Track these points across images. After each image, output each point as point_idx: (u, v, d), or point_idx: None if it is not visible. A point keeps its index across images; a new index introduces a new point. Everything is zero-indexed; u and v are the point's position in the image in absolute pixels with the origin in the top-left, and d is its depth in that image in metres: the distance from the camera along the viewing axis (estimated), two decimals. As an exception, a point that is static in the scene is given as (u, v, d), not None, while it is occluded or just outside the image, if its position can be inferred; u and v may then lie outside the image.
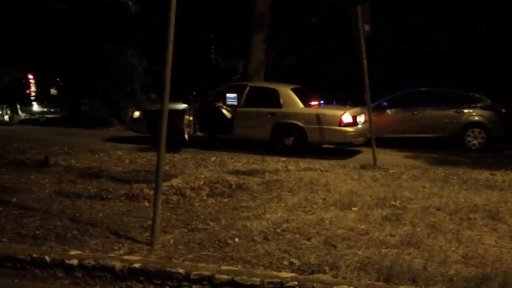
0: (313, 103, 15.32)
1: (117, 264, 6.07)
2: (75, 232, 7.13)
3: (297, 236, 7.09)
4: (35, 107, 20.63)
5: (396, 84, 18.05)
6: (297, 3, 22.54)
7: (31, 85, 20.39)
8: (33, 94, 20.43)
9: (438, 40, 20.41)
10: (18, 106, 20.32)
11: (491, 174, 11.74)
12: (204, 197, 9.14)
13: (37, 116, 21.03)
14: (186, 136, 14.90)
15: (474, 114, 16.99)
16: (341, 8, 16.31)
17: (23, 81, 20.44)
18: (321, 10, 22.10)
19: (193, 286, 5.82)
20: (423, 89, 17.77)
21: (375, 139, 13.21)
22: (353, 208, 8.51)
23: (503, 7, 18.96)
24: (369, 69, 12.79)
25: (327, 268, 5.95)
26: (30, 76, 20.42)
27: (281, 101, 15.09)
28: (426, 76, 19.69)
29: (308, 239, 6.96)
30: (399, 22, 20.35)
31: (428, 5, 19.00)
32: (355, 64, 13.34)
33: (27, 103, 20.41)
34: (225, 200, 9.05)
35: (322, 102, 16.21)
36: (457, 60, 20.31)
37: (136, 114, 16.54)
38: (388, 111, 17.43)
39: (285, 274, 5.80)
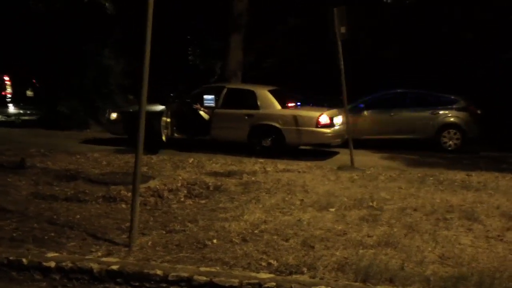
0: (290, 104, 15.32)
1: (95, 266, 6.06)
2: (53, 234, 7.10)
3: (275, 237, 7.12)
4: (11, 109, 20.44)
5: (383, 87, 18.11)
6: (276, 5, 22.57)
7: (7, 86, 20.20)
8: (9, 95, 20.23)
9: (423, 41, 20.59)
10: (-7, 108, 20.13)
11: (467, 175, 11.84)
12: (182, 199, 9.12)
13: (13, 118, 20.82)
14: (163, 138, 14.86)
15: (449, 115, 17.12)
16: (319, 10, 16.40)
17: (-1, 82, 20.24)
18: (299, 11, 22.17)
19: (171, 288, 5.83)
20: (399, 90, 17.87)
21: (352, 140, 13.29)
22: (330, 209, 8.55)
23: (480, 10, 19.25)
24: (355, 71, 12.81)
25: (305, 268, 5.98)
26: (6, 78, 20.23)
27: (259, 103, 15.09)
28: (409, 76, 19.75)
29: (286, 240, 6.99)
30: (378, 25, 20.53)
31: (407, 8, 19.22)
32: (333, 65, 13.38)
33: (2, 104, 20.21)
34: (203, 201, 9.04)
35: (298, 103, 16.24)
36: (441, 61, 20.44)
37: (113, 115, 16.43)
38: (365, 112, 17.49)
39: (264, 275, 5.83)
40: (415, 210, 8.67)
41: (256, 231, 7.34)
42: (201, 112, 15.67)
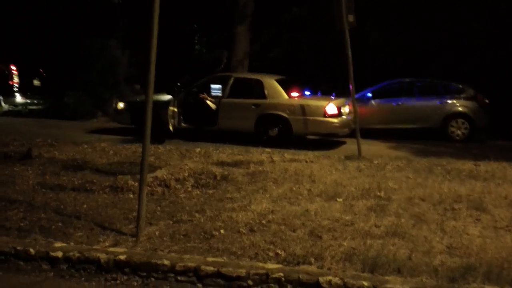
0: (293, 94, 15.26)
1: (102, 256, 6.06)
2: (60, 224, 7.11)
3: (283, 227, 7.10)
4: (18, 98, 20.47)
5: (382, 79, 18.01)
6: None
7: (14, 76, 20.22)
8: (16, 85, 20.26)
9: (424, 33, 20.46)
10: (1, 98, 20.13)
11: (475, 165, 11.77)
12: (189, 189, 9.11)
13: (20, 107, 20.86)
14: (170, 128, 14.85)
15: (457, 104, 17.04)
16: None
17: (6, 72, 20.25)
18: (305, 0, 22.08)
19: (179, 278, 5.83)
20: (407, 79, 17.81)
21: (360, 130, 13.25)
22: (338, 199, 8.52)
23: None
24: (362, 61, 12.73)
25: (312, 259, 5.97)
26: (13, 67, 20.24)
27: (266, 92, 15.07)
28: (411, 70, 19.63)
29: (294, 230, 6.97)
30: (384, 14, 20.43)
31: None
32: (339, 55, 13.32)
33: (10, 94, 20.25)
34: (210, 191, 9.03)
35: (308, 93, 16.19)
36: (444, 52, 20.32)
37: (120, 105, 16.47)
38: (373, 102, 17.45)
39: (271, 265, 5.82)
40: (422, 200, 8.64)
41: (263, 221, 7.33)
42: (208, 102, 15.64)
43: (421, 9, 20.29)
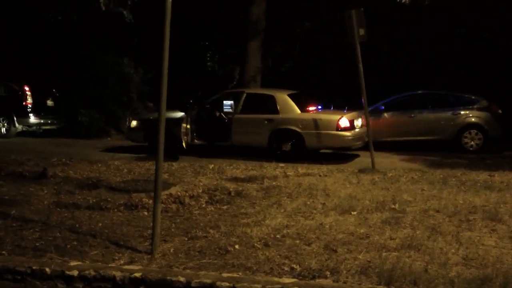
0: (310, 108, 15.31)
1: (118, 274, 6.06)
2: (75, 243, 7.12)
3: (297, 241, 7.09)
4: (32, 118, 20.59)
5: (390, 91, 18.01)
6: (292, 9, 22.56)
7: (28, 96, 20.36)
8: (29, 105, 20.40)
9: (434, 44, 20.44)
10: (15, 118, 20.27)
11: (489, 175, 11.74)
12: (203, 205, 9.12)
13: (34, 127, 20.98)
14: (184, 144, 14.89)
15: (470, 115, 17.00)
16: (336, 13, 16.38)
17: (20, 93, 20.40)
18: (316, 15, 22.13)
19: (195, 294, 5.83)
20: (420, 92, 17.80)
21: (373, 142, 13.23)
22: (352, 212, 8.50)
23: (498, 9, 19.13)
24: (372, 74, 12.73)
25: (328, 273, 5.95)
26: (27, 88, 20.39)
27: (278, 107, 15.10)
28: (420, 81, 19.60)
29: (309, 244, 6.96)
30: (393, 27, 20.45)
31: (423, 9, 19.11)
32: (350, 68, 13.33)
33: (24, 115, 20.37)
34: (225, 207, 9.04)
35: (319, 107, 16.21)
36: (453, 62, 20.30)
37: (134, 123, 16.54)
38: (385, 114, 17.44)
39: (286, 280, 5.80)
40: (437, 211, 8.61)
41: (278, 236, 7.32)
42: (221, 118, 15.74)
43: (431, 21, 20.30)
